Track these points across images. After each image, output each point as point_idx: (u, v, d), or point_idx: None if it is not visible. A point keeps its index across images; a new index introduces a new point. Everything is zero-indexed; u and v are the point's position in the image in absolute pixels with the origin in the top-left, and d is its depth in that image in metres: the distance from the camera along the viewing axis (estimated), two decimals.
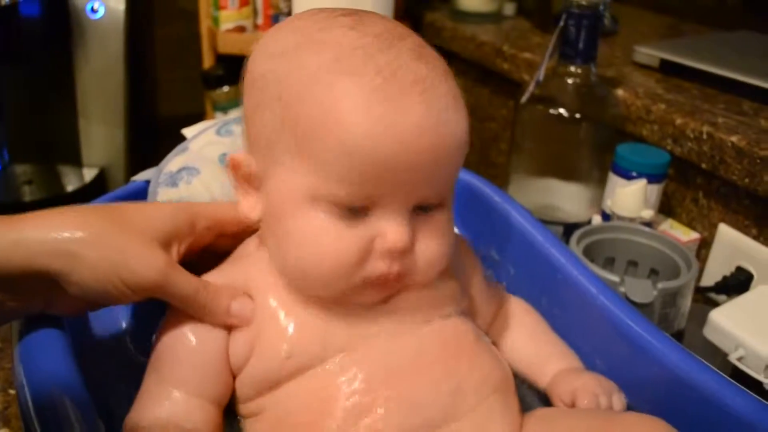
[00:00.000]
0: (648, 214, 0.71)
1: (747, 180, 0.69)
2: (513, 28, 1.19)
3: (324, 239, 0.39)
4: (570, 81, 0.77)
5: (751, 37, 1.02)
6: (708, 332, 0.57)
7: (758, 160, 0.67)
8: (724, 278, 0.71)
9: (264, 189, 0.42)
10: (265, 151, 0.41)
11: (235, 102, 1.33)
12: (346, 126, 0.36)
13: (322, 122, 0.37)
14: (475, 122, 1.16)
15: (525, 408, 0.46)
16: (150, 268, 0.39)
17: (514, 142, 0.84)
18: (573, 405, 0.47)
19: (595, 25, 0.74)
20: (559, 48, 0.77)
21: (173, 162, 0.55)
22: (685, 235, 0.75)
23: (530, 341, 0.53)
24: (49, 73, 1.32)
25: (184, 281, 0.40)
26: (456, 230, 0.49)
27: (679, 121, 0.76)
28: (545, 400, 0.50)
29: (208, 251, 0.46)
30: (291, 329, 0.42)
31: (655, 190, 0.73)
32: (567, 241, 0.64)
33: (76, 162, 1.39)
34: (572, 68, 0.76)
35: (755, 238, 0.72)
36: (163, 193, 0.53)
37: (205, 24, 1.31)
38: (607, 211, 0.74)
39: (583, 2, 0.73)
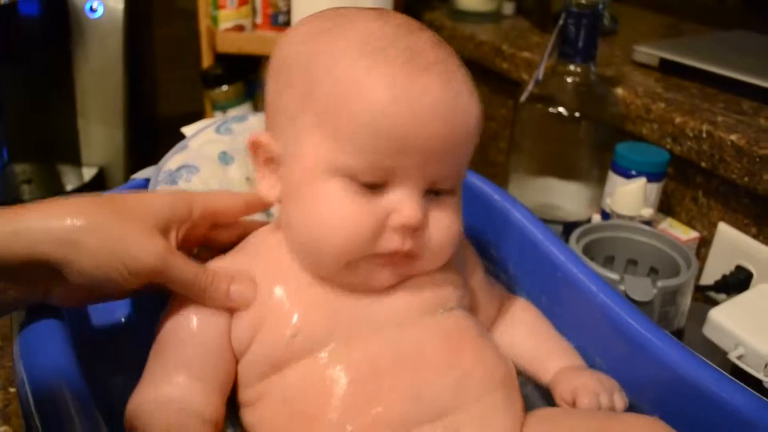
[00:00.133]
0: (647, 212, 0.71)
1: (746, 179, 0.69)
2: (512, 28, 1.19)
3: (341, 210, 0.40)
4: (569, 80, 0.77)
5: (751, 37, 1.02)
6: (708, 331, 0.57)
7: (757, 159, 0.67)
8: (724, 277, 0.71)
9: (283, 168, 0.44)
10: (287, 127, 0.43)
11: (234, 101, 1.33)
12: (367, 99, 0.39)
13: (344, 95, 0.39)
14: None
15: (528, 407, 0.46)
16: (150, 254, 0.39)
17: (514, 141, 0.84)
18: (574, 404, 0.47)
19: (595, 24, 0.74)
20: (558, 47, 0.77)
21: (173, 160, 0.55)
22: (684, 233, 0.75)
23: (531, 338, 0.53)
24: (48, 72, 1.31)
25: (183, 266, 0.41)
26: None
27: (678, 120, 0.76)
28: (548, 399, 0.50)
29: (211, 246, 0.47)
30: (298, 309, 0.42)
31: (654, 188, 0.73)
32: (566, 240, 0.64)
33: (76, 161, 1.39)
34: (572, 67, 0.76)
35: (755, 236, 0.72)
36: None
37: (204, 23, 1.31)
38: (607, 210, 0.74)
39: (583, 1, 0.73)
